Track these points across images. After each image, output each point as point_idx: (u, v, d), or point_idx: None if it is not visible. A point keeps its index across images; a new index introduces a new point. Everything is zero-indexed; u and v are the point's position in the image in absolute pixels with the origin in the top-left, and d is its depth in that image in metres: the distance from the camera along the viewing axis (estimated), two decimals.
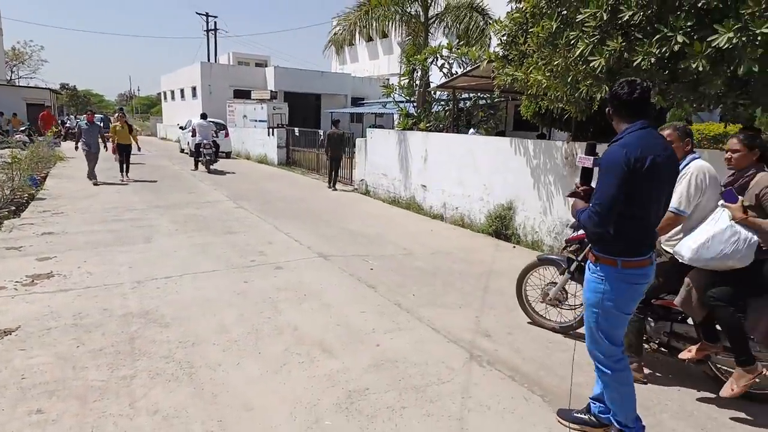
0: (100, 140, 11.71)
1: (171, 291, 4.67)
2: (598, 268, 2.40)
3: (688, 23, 4.04)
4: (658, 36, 4.22)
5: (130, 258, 5.66)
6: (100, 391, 2.96)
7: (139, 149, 12.93)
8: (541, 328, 4.11)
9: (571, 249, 3.74)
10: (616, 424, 2.56)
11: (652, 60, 4.28)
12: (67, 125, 27.75)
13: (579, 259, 3.64)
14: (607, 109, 2.47)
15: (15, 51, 44.20)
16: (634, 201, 2.24)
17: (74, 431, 2.58)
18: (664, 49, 4.19)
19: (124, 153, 12.13)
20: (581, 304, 3.63)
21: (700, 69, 3.95)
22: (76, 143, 11.91)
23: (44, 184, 11.00)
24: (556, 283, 3.98)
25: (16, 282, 4.75)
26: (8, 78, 38.76)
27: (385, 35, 18.63)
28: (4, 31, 31.47)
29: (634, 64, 4.35)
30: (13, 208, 8.20)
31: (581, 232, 3.47)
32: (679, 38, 4.03)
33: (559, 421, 2.78)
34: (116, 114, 13.11)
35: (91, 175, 11.41)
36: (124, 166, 12.22)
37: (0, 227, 6.89)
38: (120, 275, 5.06)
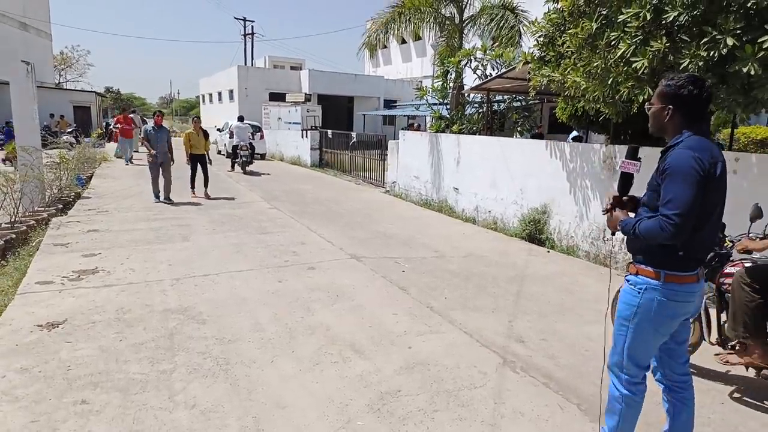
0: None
1: (208, 289, 4.80)
2: (638, 279, 2.21)
3: (738, 25, 3.88)
4: (705, 39, 4.07)
5: (170, 256, 5.84)
6: (141, 384, 3.06)
7: (209, 162, 10.60)
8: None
9: None
10: None
11: (700, 63, 4.14)
12: (111, 127, 28.85)
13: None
14: (659, 108, 2.20)
15: (63, 55, 46.27)
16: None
17: (116, 422, 2.68)
18: (712, 53, 4.04)
19: (197, 165, 10.33)
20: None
21: (752, 72, 3.80)
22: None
23: (90, 184, 11.48)
24: None
25: (63, 277, 4.97)
26: (57, 81, 40.59)
27: (418, 37, 18.63)
28: (54, 36, 32.94)
29: (681, 66, 4.21)
30: (61, 206, 8.59)
31: None
32: (729, 41, 3.88)
33: None
34: (192, 119, 11.38)
35: (156, 193, 9.48)
36: (194, 180, 10.33)
37: (48, 224, 7.23)
38: (160, 272, 5.23)
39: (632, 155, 2.36)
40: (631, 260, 2.30)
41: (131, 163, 16.40)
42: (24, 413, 2.72)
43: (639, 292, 2.18)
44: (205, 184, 10.30)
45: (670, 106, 2.16)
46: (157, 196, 9.48)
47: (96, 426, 2.64)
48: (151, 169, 9.43)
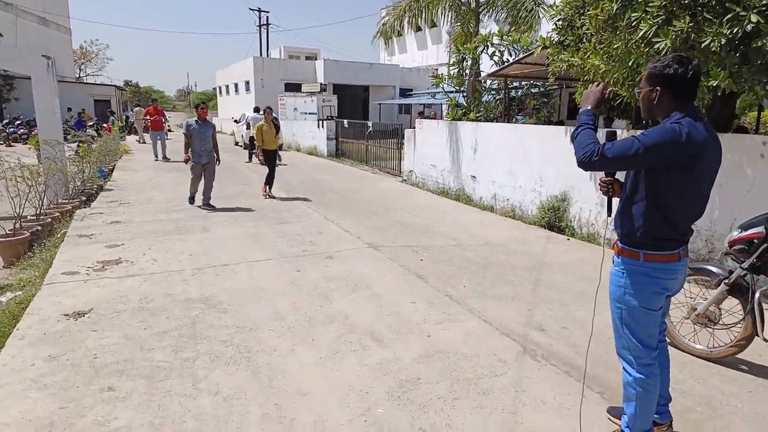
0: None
1: (228, 278, 4.85)
2: (620, 260, 2.26)
3: (763, 1, 3.74)
4: (729, 15, 3.93)
5: (190, 246, 5.92)
6: (165, 371, 3.12)
7: (279, 159, 9.44)
8: (684, 351, 3.46)
9: (734, 252, 3.13)
10: (623, 428, 2.42)
11: (723, 41, 4.00)
12: (131, 120, 29.25)
13: (745, 266, 3.07)
14: (648, 91, 2.18)
15: (83, 50, 46.96)
16: (665, 191, 2.09)
17: (142, 408, 2.74)
18: (735, 30, 3.90)
19: (269, 161, 9.43)
20: (738, 322, 3.20)
21: None
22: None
23: (111, 176, 11.68)
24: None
25: (88, 267, 5.07)
26: (77, 76, 41.21)
27: (434, 24, 18.41)
28: (72, 31, 33.42)
29: (703, 45, 4.08)
30: (84, 198, 8.77)
31: (751, 231, 3.03)
32: (753, 17, 3.75)
33: (609, 419, 2.68)
34: (265, 110, 9.72)
35: (192, 196, 8.27)
36: (266, 177, 9.40)
37: (73, 216, 7.38)
38: (181, 262, 5.30)
39: None
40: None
41: (166, 159, 15.12)
42: (53, 400, 2.79)
43: (623, 273, 2.24)
44: (269, 182, 9.43)
45: (658, 88, 2.15)
46: (192, 201, 8.27)
47: (123, 412, 2.70)
48: (193, 168, 8.18)
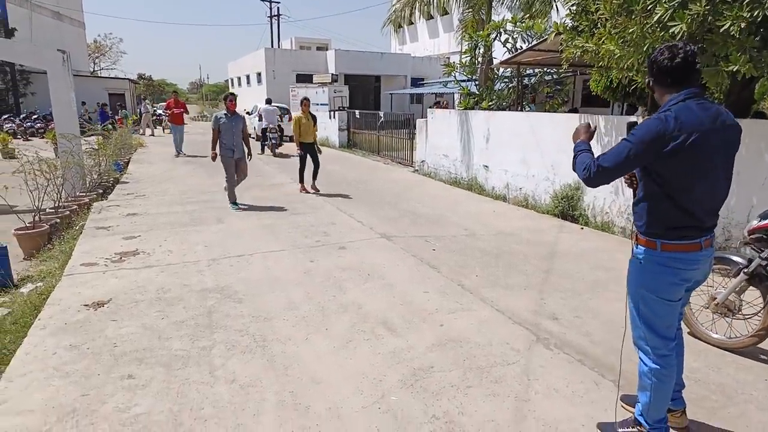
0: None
1: (243, 269, 4.91)
2: (639, 250, 2.25)
3: None
4: None
5: (205, 237, 6.00)
6: (183, 359, 3.19)
7: (319, 151, 9.08)
8: (701, 340, 3.44)
9: (753, 241, 3.06)
10: (637, 416, 2.42)
11: (742, 25, 3.91)
12: (143, 113, 29.50)
13: (764, 256, 3.00)
14: (647, 80, 2.25)
15: (97, 44, 47.39)
16: (669, 180, 2.09)
17: (161, 396, 2.80)
18: (756, 13, 3.81)
19: (306, 155, 8.89)
20: (757, 313, 3.15)
21: None
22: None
23: (127, 169, 11.84)
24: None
25: (106, 259, 5.17)
26: (91, 70, 41.64)
27: (445, 12, 18.20)
28: (86, 24, 33.70)
29: (722, 29, 4.00)
30: (101, 191, 8.91)
31: None
32: None
33: (623, 407, 2.67)
34: (302, 101, 9.04)
35: (232, 196, 7.69)
36: (303, 172, 8.96)
37: (90, 209, 7.51)
38: (196, 253, 5.38)
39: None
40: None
41: (182, 153, 14.59)
42: (75, 387, 2.87)
43: (641, 262, 2.24)
44: (314, 176, 8.99)
45: (651, 78, 2.22)
46: (235, 203, 7.68)
47: (142, 399, 2.77)
48: (226, 162, 7.53)
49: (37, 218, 6.18)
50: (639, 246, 2.26)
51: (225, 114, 7.59)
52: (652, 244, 2.19)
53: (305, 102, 8.98)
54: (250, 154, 7.88)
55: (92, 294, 4.24)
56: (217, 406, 2.71)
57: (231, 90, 37.83)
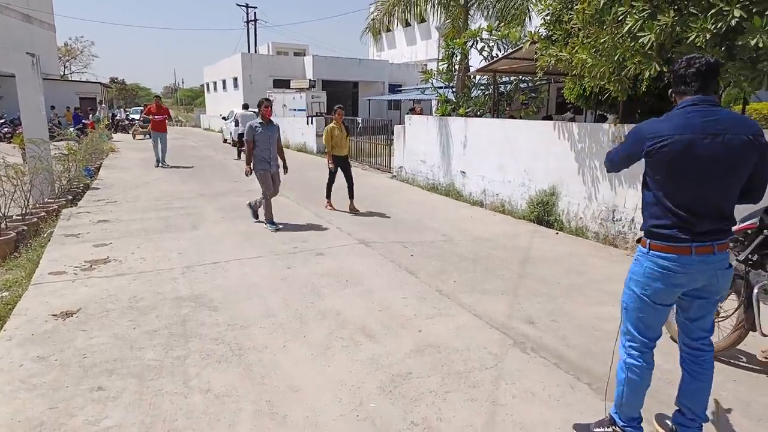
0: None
1: (218, 276, 4.83)
2: (639, 248, 2.33)
3: None
4: (713, 10, 3.99)
5: (180, 244, 5.89)
6: (156, 370, 3.11)
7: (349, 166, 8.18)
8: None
9: (731, 244, 2.92)
10: (612, 413, 2.48)
11: (707, 36, 4.06)
12: (117, 118, 28.95)
13: (740, 259, 2.97)
14: (669, 91, 2.33)
15: (67, 47, 46.30)
16: (654, 180, 2.20)
17: (133, 408, 2.72)
18: (720, 25, 3.96)
19: (337, 169, 7.99)
20: (729, 316, 3.18)
21: (760, 45, 3.72)
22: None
23: (98, 175, 11.55)
24: None
25: (76, 267, 5.03)
26: (62, 73, 40.64)
27: (423, 20, 18.39)
28: (57, 27, 32.91)
29: (688, 40, 4.14)
30: (71, 197, 8.68)
31: (747, 222, 2.98)
32: (736, 12, 3.81)
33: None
34: (335, 109, 8.25)
35: (269, 214, 6.76)
36: (332, 187, 8.11)
37: (59, 215, 7.30)
38: (171, 261, 5.27)
39: None
40: None
41: (165, 164, 13.27)
42: (42, 400, 2.77)
43: (636, 260, 2.32)
44: (351, 195, 7.88)
45: (672, 86, 2.31)
46: (273, 223, 6.72)
47: (113, 411, 2.68)
48: (262, 177, 6.71)
49: (3, 225, 5.97)
50: (639, 245, 2.35)
51: (260, 123, 6.68)
52: (644, 243, 2.27)
53: (339, 111, 8.06)
54: (286, 167, 7.13)
55: (61, 303, 4.11)
56: (191, 417, 2.65)
57: (207, 95, 37.39)
